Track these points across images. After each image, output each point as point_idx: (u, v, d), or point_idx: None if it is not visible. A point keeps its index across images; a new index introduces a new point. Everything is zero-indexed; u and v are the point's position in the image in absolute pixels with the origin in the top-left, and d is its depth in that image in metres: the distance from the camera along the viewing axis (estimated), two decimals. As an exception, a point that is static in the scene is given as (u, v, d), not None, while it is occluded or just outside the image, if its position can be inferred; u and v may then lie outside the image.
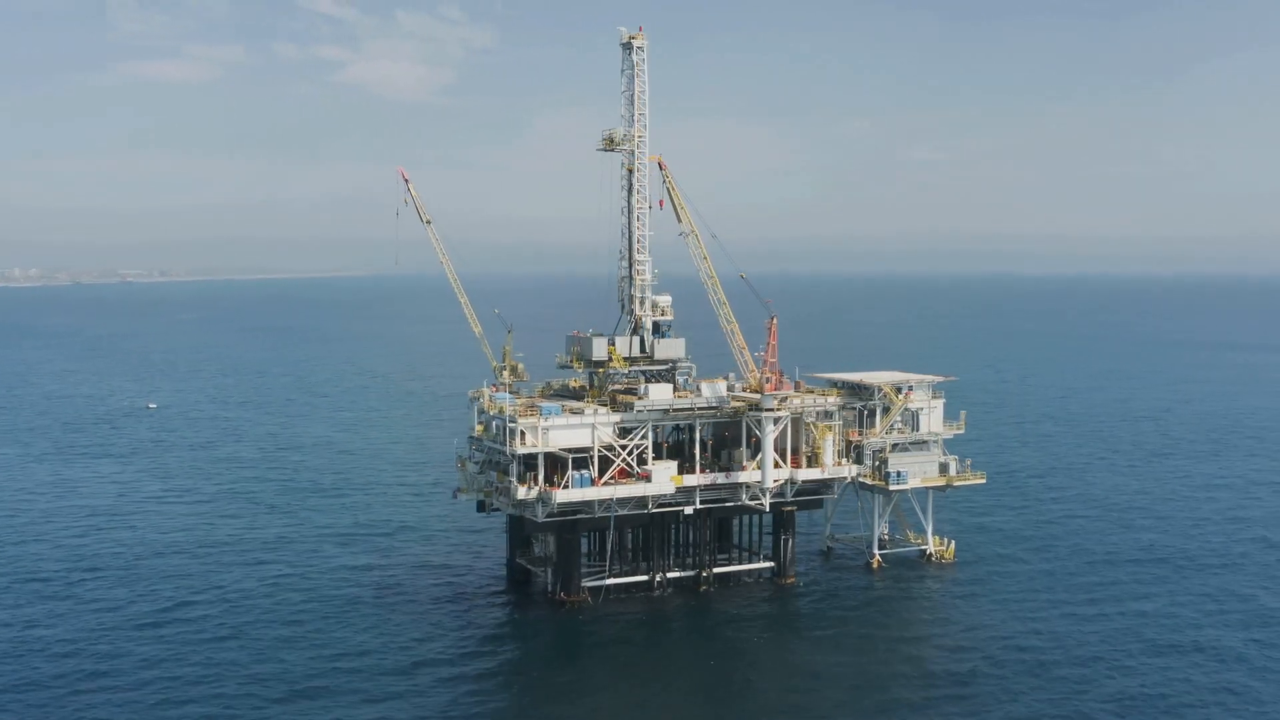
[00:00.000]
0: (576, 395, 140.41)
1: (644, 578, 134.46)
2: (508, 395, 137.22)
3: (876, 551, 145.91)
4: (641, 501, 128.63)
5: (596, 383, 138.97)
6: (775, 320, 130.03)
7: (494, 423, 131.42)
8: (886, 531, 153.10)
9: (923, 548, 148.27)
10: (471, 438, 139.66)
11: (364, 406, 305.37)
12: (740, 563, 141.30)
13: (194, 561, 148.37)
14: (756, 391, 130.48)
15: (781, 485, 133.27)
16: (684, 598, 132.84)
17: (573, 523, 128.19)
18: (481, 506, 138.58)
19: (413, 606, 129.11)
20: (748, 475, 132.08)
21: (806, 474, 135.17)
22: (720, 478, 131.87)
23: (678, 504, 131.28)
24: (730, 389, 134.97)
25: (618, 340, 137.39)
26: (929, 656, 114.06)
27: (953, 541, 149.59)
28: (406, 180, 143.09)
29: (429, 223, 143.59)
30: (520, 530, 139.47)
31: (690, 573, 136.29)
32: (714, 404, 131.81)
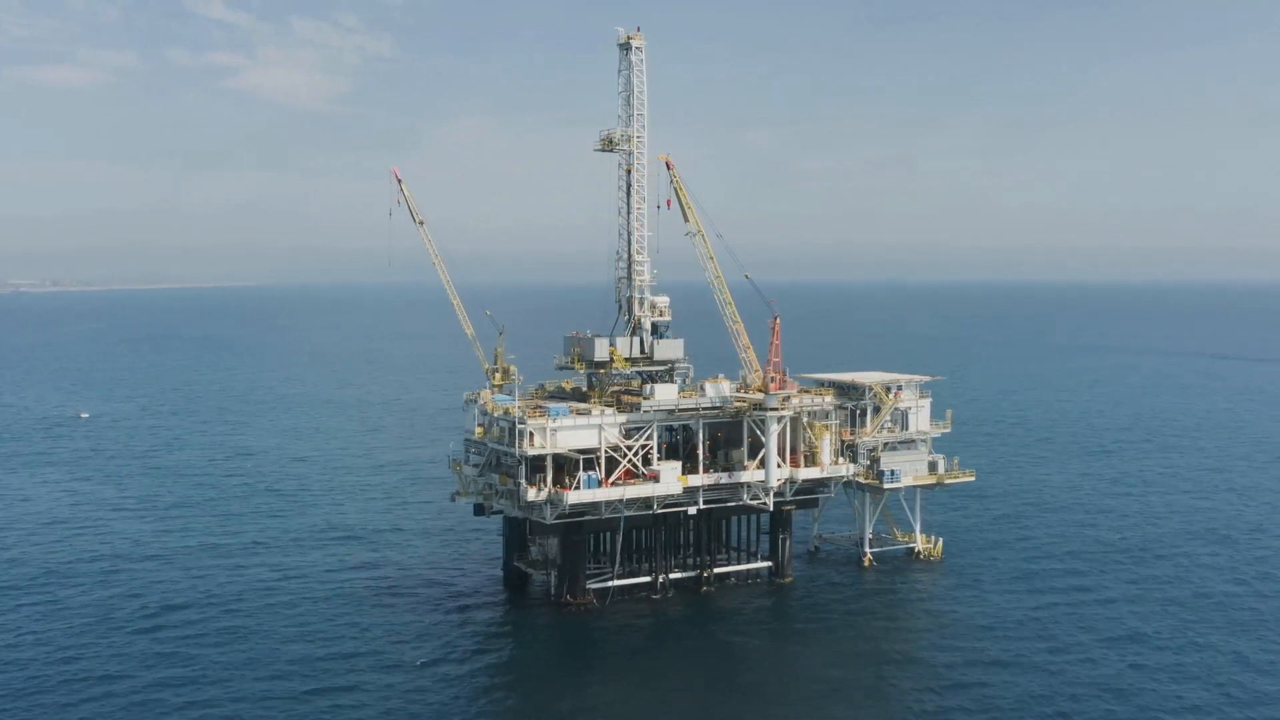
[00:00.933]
0: (571, 397, 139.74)
1: (646, 579, 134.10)
2: (510, 397, 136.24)
3: (868, 550, 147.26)
4: (647, 502, 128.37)
5: (596, 384, 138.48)
6: (778, 320, 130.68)
7: (498, 424, 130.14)
8: (871, 530, 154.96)
9: (911, 545, 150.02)
10: (468, 440, 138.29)
11: (301, 415, 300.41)
12: (737, 563, 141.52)
13: (183, 568, 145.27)
14: (760, 390, 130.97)
15: (782, 485, 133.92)
16: (686, 599, 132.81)
17: (578, 524, 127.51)
18: (480, 509, 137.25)
19: (413, 611, 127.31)
20: (751, 475, 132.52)
21: (806, 473, 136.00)
22: (723, 478, 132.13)
23: (681, 504, 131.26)
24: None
25: (618, 341, 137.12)
26: (933, 656, 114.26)
27: (940, 539, 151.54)
28: (399, 180, 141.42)
29: (421, 223, 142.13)
30: (518, 533, 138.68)
31: (691, 574, 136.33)
32: (717, 404, 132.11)
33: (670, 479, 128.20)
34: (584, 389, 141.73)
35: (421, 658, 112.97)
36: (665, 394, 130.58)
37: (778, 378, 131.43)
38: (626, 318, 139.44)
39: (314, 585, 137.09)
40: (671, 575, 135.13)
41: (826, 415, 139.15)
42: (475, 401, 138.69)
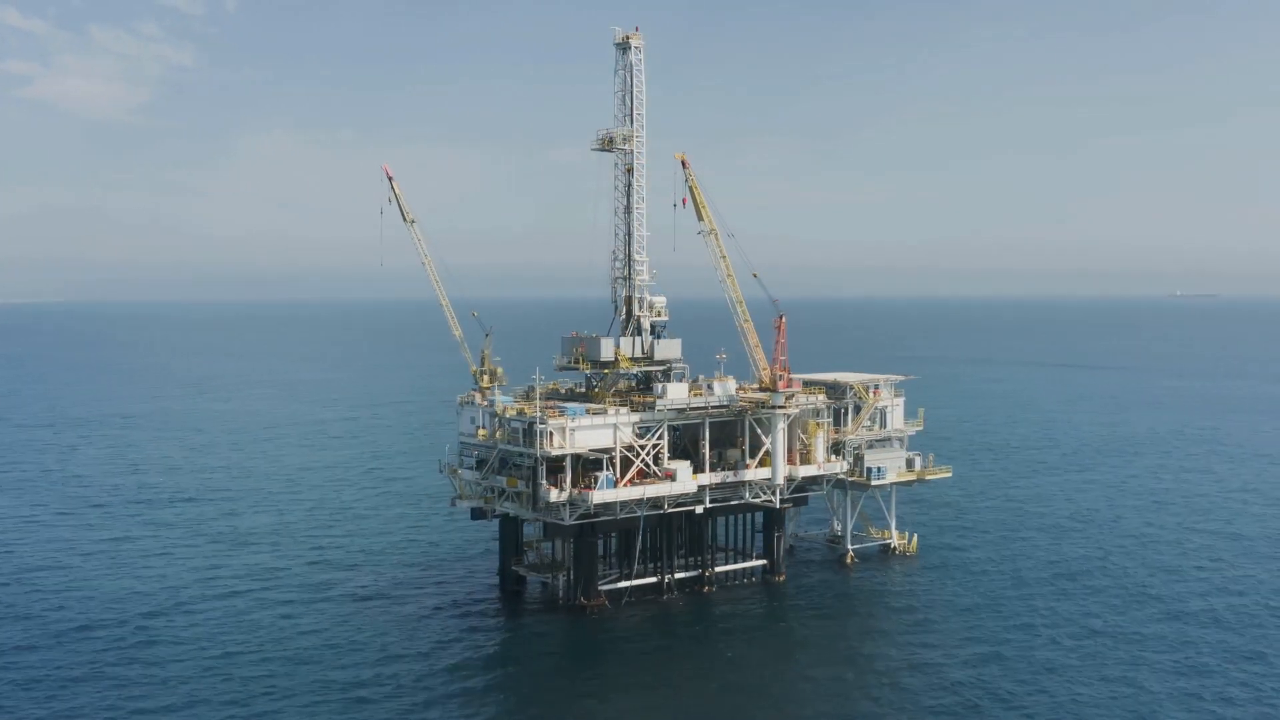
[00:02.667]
0: (567, 398, 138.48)
1: (653, 580, 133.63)
2: (509, 398, 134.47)
3: (850, 547, 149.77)
4: (657, 502, 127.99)
5: (597, 384, 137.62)
6: (784, 319, 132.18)
7: (510, 425, 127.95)
8: (839, 528, 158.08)
9: (887, 542, 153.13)
10: (465, 443, 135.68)
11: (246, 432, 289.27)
12: (732, 562, 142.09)
13: (179, 579, 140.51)
14: (768, 389, 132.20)
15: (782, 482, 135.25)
16: (691, 599, 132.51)
17: (592, 526, 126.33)
18: (481, 514, 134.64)
19: (418, 622, 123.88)
20: (755, 473, 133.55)
21: (805, 470, 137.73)
22: (729, 476, 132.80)
23: (688, 504, 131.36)
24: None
25: (621, 341, 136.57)
26: (933, 646, 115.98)
27: (915, 535, 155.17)
28: (390, 178, 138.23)
29: (412, 222, 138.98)
30: (514, 538, 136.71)
31: (693, 573, 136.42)
32: (724, 402, 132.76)
33: (686, 478, 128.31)
34: (580, 390, 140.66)
35: (442, 665, 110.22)
36: (677, 393, 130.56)
37: (784, 375, 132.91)
38: (624, 318, 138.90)
39: (307, 594, 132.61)
40: (676, 575, 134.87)
41: (818, 414, 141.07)
42: (470, 404, 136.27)
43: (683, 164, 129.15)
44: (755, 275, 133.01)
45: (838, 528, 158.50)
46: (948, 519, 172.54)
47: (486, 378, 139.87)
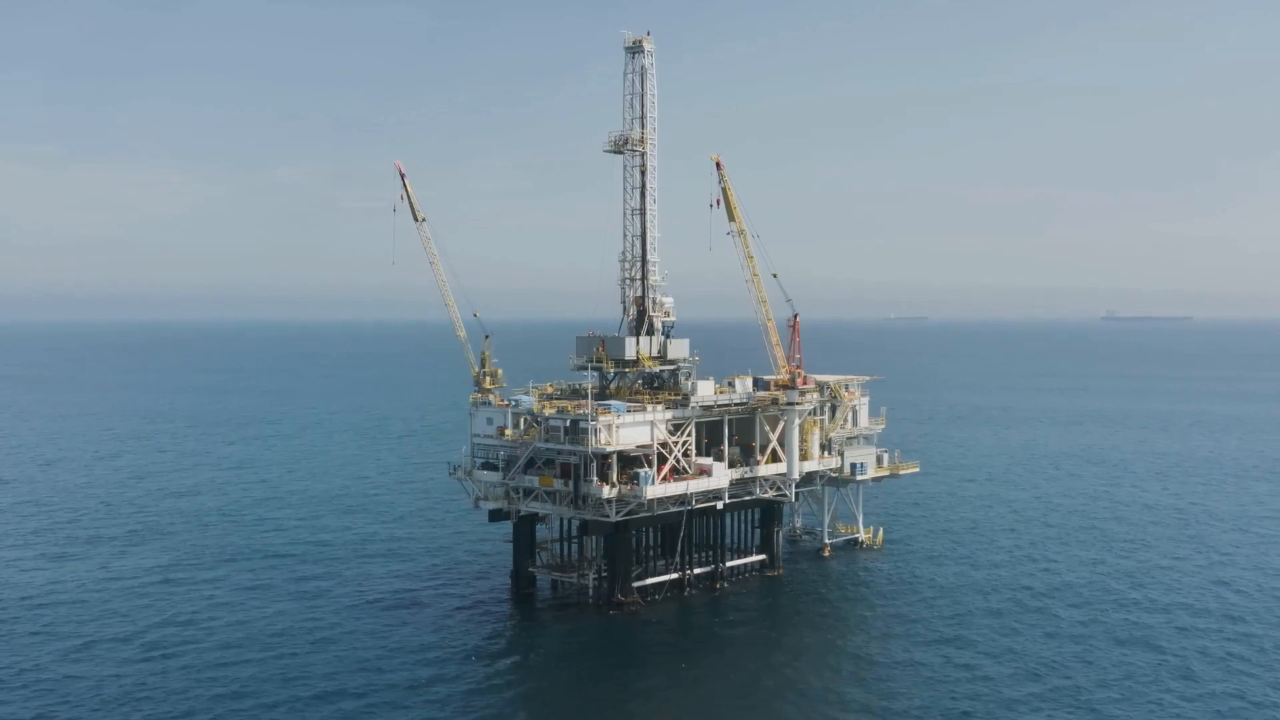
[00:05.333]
0: (566, 398, 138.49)
1: (676, 575, 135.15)
2: (530, 398, 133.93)
3: (828, 541, 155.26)
4: (686, 498, 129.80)
5: (615, 384, 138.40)
6: (798, 318, 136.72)
7: (550, 423, 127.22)
8: (801, 524, 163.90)
9: (855, 536, 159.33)
10: (483, 445, 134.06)
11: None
12: (736, 557, 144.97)
13: (201, 579, 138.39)
14: (786, 385, 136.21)
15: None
16: (708, 596, 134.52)
17: (627, 523, 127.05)
18: (501, 515, 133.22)
19: (447, 623, 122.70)
20: (771, 468, 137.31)
21: (808, 466, 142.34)
22: (746, 472, 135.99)
23: (710, 499, 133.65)
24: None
25: (640, 341, 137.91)
26: (929, 628, 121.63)
27: (881, 529, 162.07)
28: (403, 175, 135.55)
29: (422, 220, 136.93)
30: (529, 538, 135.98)
31: (708, 569, 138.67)
32: (744, 399, 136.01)
33: (721, 473, 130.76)
34: (592, 388, 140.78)
35: (482, 667, 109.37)
36: (705, 390, 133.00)
37: (800, 373, 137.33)
38: (633, 318, 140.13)
39: (335, 599, 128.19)
40: (695, 571, 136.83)
41: (816, 411, 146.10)
42: (486, 404, 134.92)
43: (717, 165, 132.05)
44: (775, 275, 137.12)
45: (799, 523, 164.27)
46: (903, 513, 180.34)
47: (488, 379, 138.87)
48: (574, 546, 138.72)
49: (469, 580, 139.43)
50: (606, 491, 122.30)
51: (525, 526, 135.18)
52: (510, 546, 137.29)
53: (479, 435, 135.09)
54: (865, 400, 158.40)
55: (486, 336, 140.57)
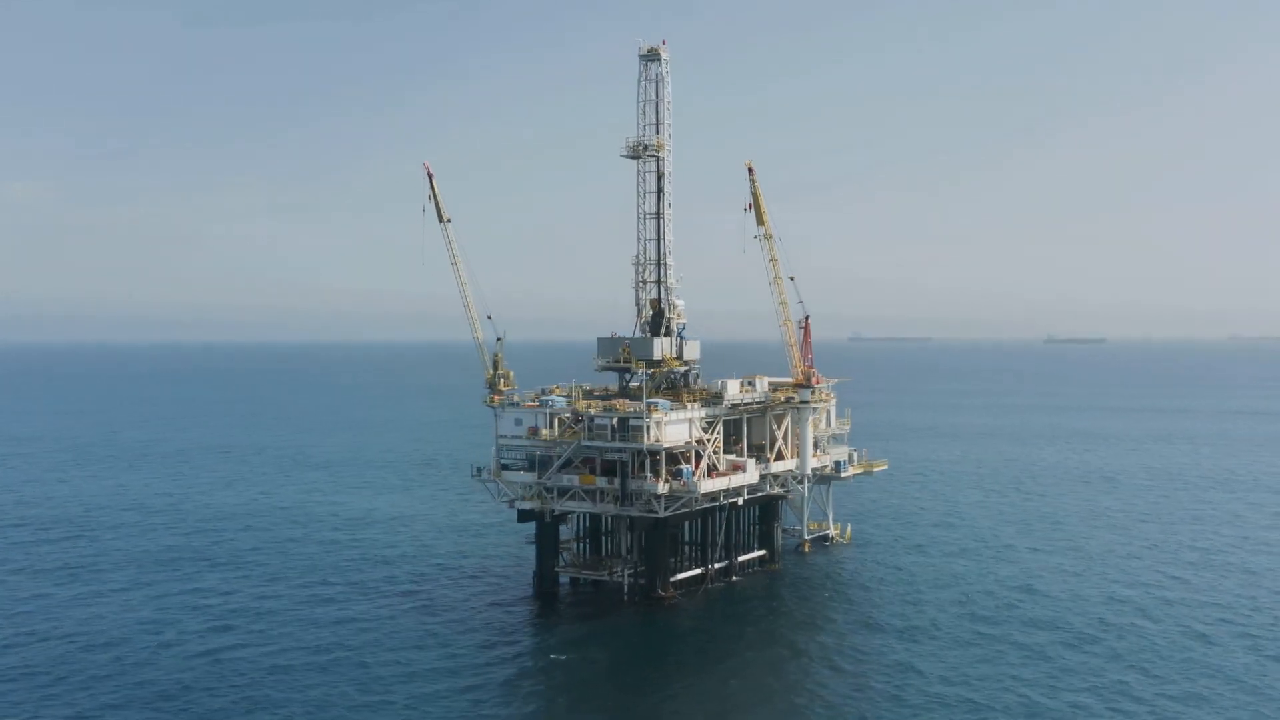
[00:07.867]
0: (603, 398, 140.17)
1: (699, 571, 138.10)
2: (562, 399, 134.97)
3: (807, 537, 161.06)
4: (714, 495, 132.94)
5: (638, 384, 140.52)
6: (809, 320, 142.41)
7: (596, 422, 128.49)
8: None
9: (826, 533, 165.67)
10: (510, 446, 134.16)
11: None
12: (742, 553, 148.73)
13: (228, 582, 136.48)
14: (801, 384, 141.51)
15: (785, 475, 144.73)
16: (727, 590, 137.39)
17: (664, 520, 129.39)
18: (532, 514, 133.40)
19: (471, 619, 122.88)
20: (785, 464, 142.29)
21: (813, 463, 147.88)
22: (766, 468, 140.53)
23: (735, 496, 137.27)
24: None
25: (661, 342, 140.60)
26: (922, 613, 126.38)
27: (849, 526, 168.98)
28: (430, 175, 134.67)
29: (448, 221, 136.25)
30: (553, 538, 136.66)
31: (723, 564, 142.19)
32: (764, 398, 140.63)
33: (753, 469, 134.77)
34: (612, 389, 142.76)
35: (530, 662, 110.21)
36: (734, 389, 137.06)
37: (815, 374, 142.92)
38: (647, 320, 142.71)
39: (366, 606, 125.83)
40: (715, 566, 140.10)
41: (813, 411, 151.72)
42: (514, 405, 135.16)
43: (749, 171, 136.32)
44: (792, 278, 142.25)
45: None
46: (864, 510, 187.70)
47: (503, 381, 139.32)
48: (592, 545, 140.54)
49: (489, 580, 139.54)
50: (660, 487, 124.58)
51: (551, 527, 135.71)
52: (532, 548, 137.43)
53: (505, 437, 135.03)
54: (833, 402, 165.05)
55: (499, 340, 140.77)
